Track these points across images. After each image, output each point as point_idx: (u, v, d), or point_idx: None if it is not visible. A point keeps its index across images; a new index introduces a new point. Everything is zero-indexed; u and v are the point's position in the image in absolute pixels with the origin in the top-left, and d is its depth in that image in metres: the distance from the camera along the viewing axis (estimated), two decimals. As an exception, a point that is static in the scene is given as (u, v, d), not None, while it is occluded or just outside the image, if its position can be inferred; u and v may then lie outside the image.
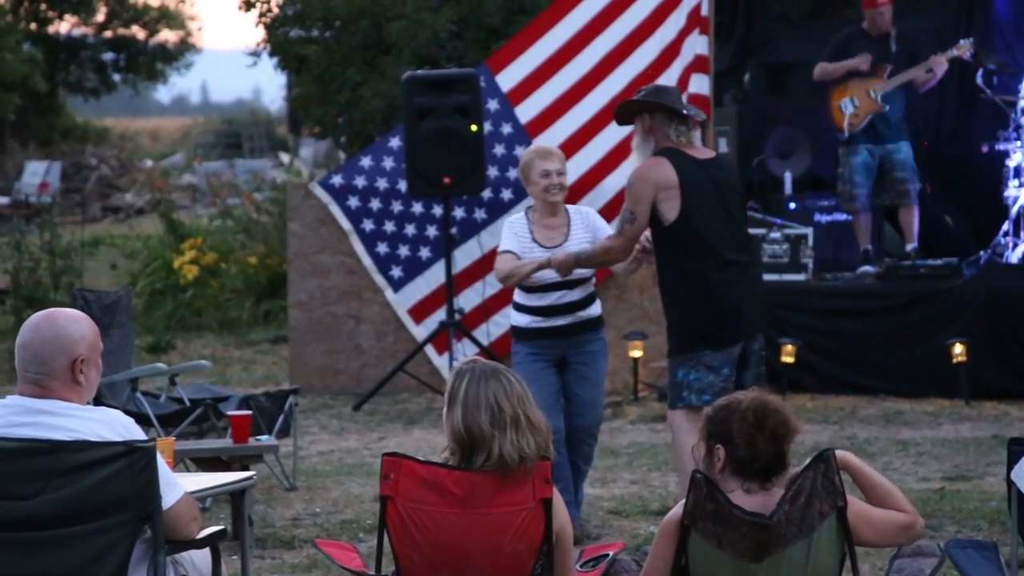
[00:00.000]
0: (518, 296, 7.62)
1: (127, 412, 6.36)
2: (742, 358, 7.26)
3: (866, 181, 11.87)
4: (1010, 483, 4.98)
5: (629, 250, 7.28)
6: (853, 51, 11.87)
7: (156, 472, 4.59)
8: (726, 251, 7.19)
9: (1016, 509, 4.99)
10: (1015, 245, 11.79)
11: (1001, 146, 12.10)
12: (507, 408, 4.63)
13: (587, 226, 7.62)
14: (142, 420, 8.39)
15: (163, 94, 65.83)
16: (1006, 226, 11.88)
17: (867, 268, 11.94)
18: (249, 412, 8.24)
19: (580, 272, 7.51)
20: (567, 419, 7.58)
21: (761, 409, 4.54)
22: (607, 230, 7.63)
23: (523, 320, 7.60)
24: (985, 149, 12.52)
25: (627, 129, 11.96)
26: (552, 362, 7.56)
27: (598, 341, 7.68)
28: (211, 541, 4.86)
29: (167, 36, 35.90)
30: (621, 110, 7.49)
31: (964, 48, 11.69)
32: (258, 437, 8.19)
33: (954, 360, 11.08)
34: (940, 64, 11.67)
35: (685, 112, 7.26)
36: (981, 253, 12.05)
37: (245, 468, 7.80)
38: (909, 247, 12.01)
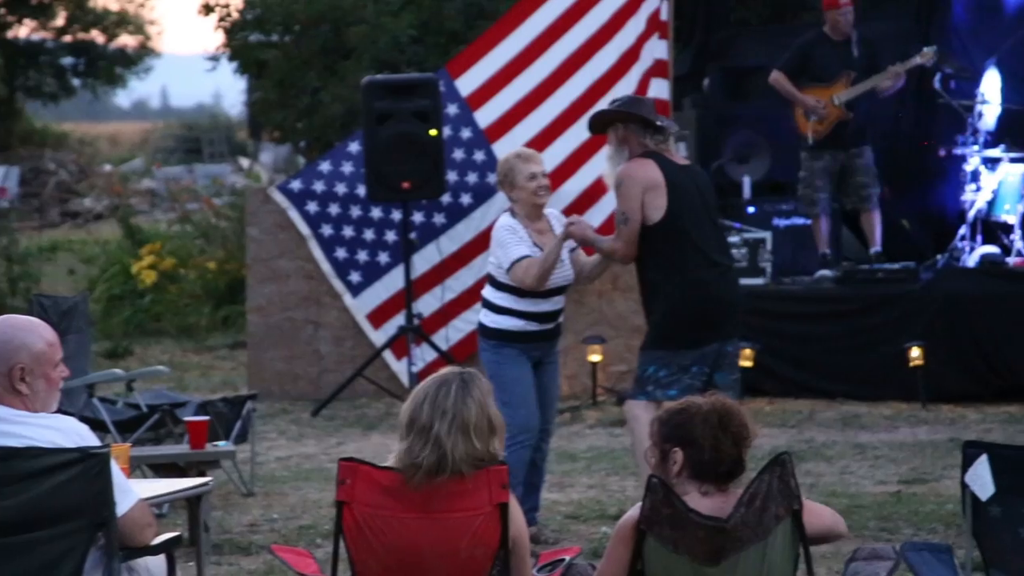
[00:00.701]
0: (506, 300, 7.50)
1: (84, 418, 6.33)
2: (716, 359, 7.32)
3: (826, 185, 11.91)
4: (965, 486, 5.00)
5: (631, 253, 7.32)
6: (815, 57, 11.86)
7: (110, 479, 4.56)
8: (711, 252, 7.31)
9: (971, 512, 5.00)
10: (972, 249, 11.86)
11: (958, 150, 12.16)
12: (473, 417, 4.62)
13: (560, 223, 7.65)
14: (98, 426, 8.36)
15: (123, 99, 65.58)
16: (963, 230, 11.93)
17: (825, 272, 11.98)
18: (206, 418, 8.21)
19: (568, 276, 7.55)
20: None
21: (724, 412, 4.55)
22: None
23: (515, 324, 7.51)
24: (943, 153, 12.59)
25: (586, 134, 12.04)
26: (532, 363, 7.59)
27: (559, 341, 7.79)
28: (166, 548, 4.83)
29: (126, 41, 35.78)
30: (596, 120, 7.52)
31: (927, 55, 11.72)
32: (215, 443, 8.16)
33: (911, 364, 11.12)
34: (900, 76, 11.71)
35: (659, 123, 7.31)
36: (938, 257, 12.11)
37: (202, 474, 7.77)
38: (872, 251, 12.06)
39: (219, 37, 16.62)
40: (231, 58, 16.94)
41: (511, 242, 7.47)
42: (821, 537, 4.67)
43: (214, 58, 17.20)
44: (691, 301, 7.25)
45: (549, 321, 7.56)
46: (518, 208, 7.57)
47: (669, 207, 7.20)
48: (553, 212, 7.76)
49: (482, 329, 7.63)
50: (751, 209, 12.62)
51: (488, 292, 7.62)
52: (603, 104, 11.81)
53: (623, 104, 7.44)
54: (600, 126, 7.50)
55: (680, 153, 12.75)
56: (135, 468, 7.84)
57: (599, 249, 7.50)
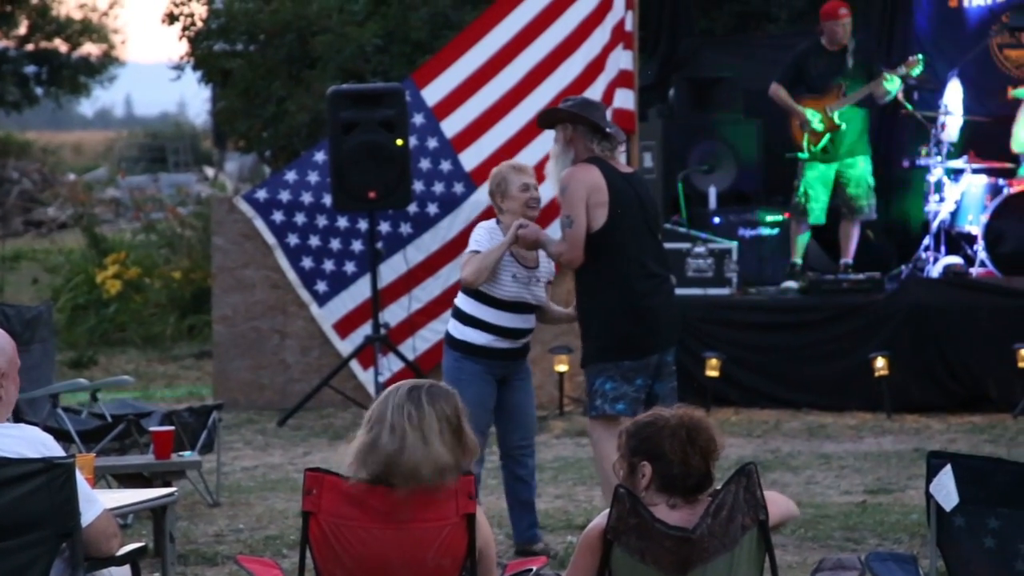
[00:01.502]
0: (475, 309, 7.42)
1: (48, 428, 6.31)
2: (656, 369, 7.32)
3: (822, 195, 11.96)
4: (929, 496, 5.02)
5: (577, 256, 7.23)
6: (809, 68, 11.92)
7: (75, 489, 4.54)
8: (649, 262, 7.28)
9: (935, 522, 5.02)
10: (936, 260, 11.92)
11: (922, 161, 12.23)
12: (446, 426, 4.61)
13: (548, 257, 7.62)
14: (63, 436, 8.31)
15: (86, 107, 65.35)
16: (927, 240, 12.00)
17: (791, 283, 12.03)
18: (171, 428, 8.18)
19: (540, 297, 7.50)
20: (510, 436, 7.56)
21: (692, 426, 4.55)
22: (553, 270, 7.67)
23: (480, 338, 7.42)
24: (906, 164, 12.66)
25: (552, 143, 12.09)
26: (496, 381, 7.50)
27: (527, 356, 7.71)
28: (131, 558, 4.82)
29: (90, 49, 35.60)
30: (546, 116, 7.53)
31: (912, 63, 11.74)
32: (181, 453, 8.13)
33: (876, 374, 11.17)
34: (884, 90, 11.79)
35: (608, 130, 7.31)
36: (903, 267, 12.18)
37: (168, 484, 7.74)
38: (842, 261, 12.12)
39: (183, 46, 16.61)
40: (195, 67, 16.91)
41: (479, 238, 7.40)
42: (778, 524, 4.69)
43: (178, 67, 17.17)
44: (629, 312, 7.23)
45: (517, 338, 7.46)
46: (507, 219, 7.46)
47: (610, 216, 7.18)
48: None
49: (448, 339, 7.53)
50: (716, 219, 12.65)
51: (459, 300, 7.51)
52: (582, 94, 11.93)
53: (575, 105, 7.39)
54: (548, 122, 7.48)
55: (645, 164, 12.86)
56: (100, 478, 7.81)
57: (548, 252, 7.45)
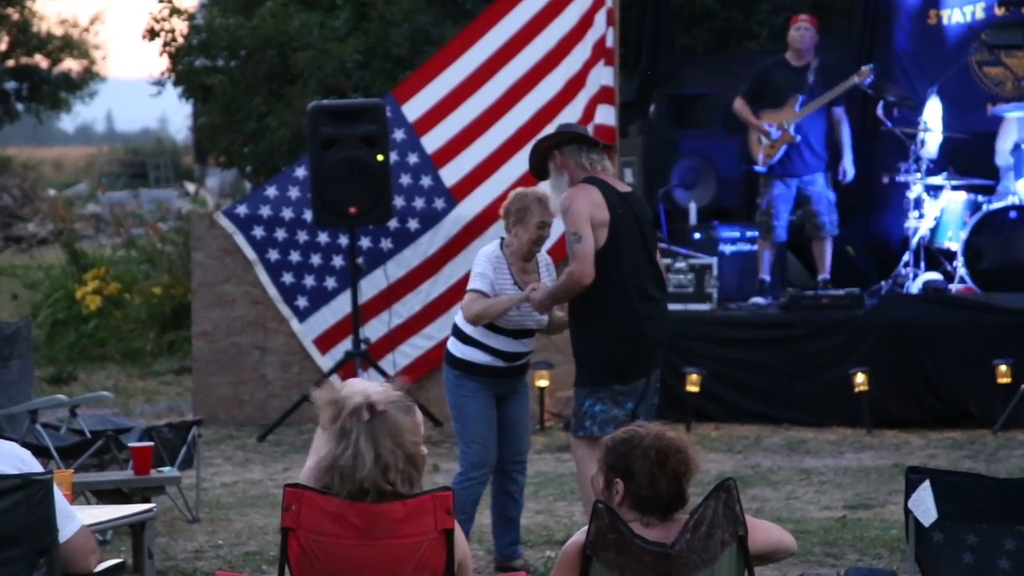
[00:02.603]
0: (476, 332, 7.40)
1: (26, 444, 6.28)
2: (643, 390, 7.31)
3: (784, 213, 12.00)
4: (908, 512, 5.03)
5: (589, 271, 7.12)
6: (771, 81, 12.03)
7: (53, 505, 4.53)
8: (646, 285, 7.25)
9: (914, 537, 5.03)
10: (915, 276, 11.95)
11: (901, 178, 12.27)
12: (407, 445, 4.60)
13: (550, 273, 7.59)
14: (42, 452, 8.28)
15: (67, 123, 65.25)
16: (907, 257, 12.03)
17: (759, 300, 12.06)
18: (151, 444, 8.16)
19: (541, 321, 7.48)
20: (504, 450, 7.55)
21: (664, 448, 4.51)
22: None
23: (480, 358, 7.41)
24: (886, 180, 12.70)
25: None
26: (495, 398, 7.51)
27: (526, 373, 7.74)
28: (109, 574, 4.80)
29: (71, 65, 35.57)
30: (535, 159, 7.35)
31: (864, 74, 11.87)
32: (160, 469, 8.10)
33: (856, 389, 11.19)
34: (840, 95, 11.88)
35: (592, 137, 7.29)
36: (882, 283, 12.20)
37: (147, 500, 7.72)
38: (820, 278, 12.15)
39: (164, 62, 16.57)
40: (176, 83, 16.88)
41: (481, 270, 7.37)
42: (768, 555, 4.67)
43: (159, 83, 17.14)
44: (623, 337, 7.19)
45: (516, 360, 7.49)
46: (513, 243, 7.43)
47: (609, 239, 7.12)
48: (543, 256, 7.62)
49: (448, 357, 7.51)
50: (697, 235, 12.68)
51: (459, 319, 7.49)
52: (549, 130, 11.95)
53: (557, 131, 7.37)
54: (540, 164, 7.34)
55: (626, 179, 12.88)
56: (79, 494, 7.78)
57: (563, 295, 7.30)
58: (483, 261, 7.41)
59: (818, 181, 12.02)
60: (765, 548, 4.63)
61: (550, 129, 11.62)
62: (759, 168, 12.06)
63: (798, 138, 11.90)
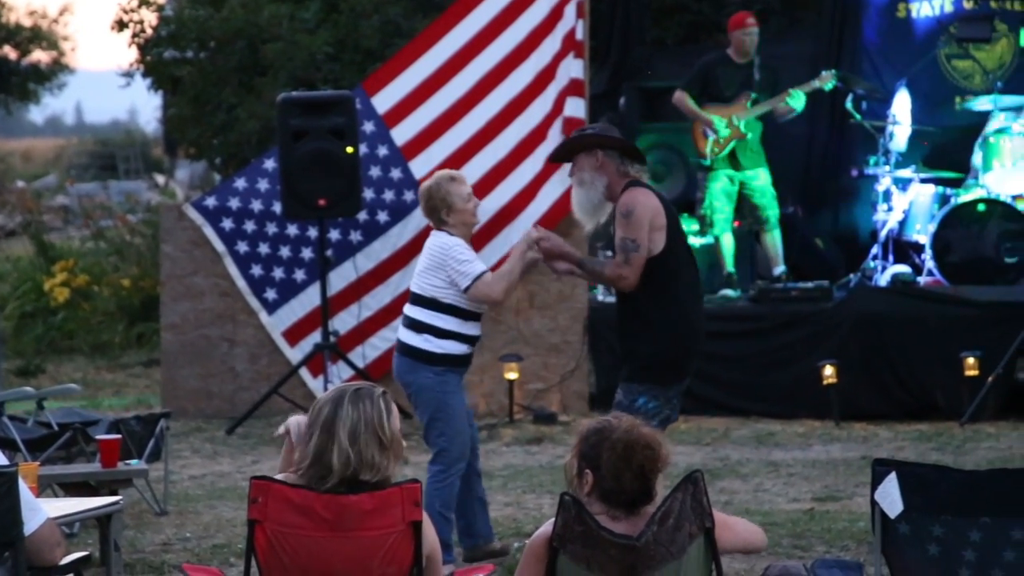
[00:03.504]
0: (452, 324, 7.37)
1: (-8, 437, 6.26)
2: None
3: (724, 207, 12.00)
4: (874, 503, 5.04)
5: (635, 282, 7.00)
6: (717, 77, 11.99)
7: (18, 497, 4.51)
8: (696, 286, 7.29)
9: (880, 529, 5.04)
10: (884, 268, 11.98)
11: (870, 170, 12.30)
12: (385, 432, 4.60)
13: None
14: (8, 445, 8.26)
15: (36, 114, 64.91)
16: (875, 249, 12.06)
17: (727, 292, 12.07)
18: (118, 436, 8.12)
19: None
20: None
21: (632, 443, 4.50)
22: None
23: (459, 348, 7.40)
24: (855, 173, 12.73)
25: (502, 152, 12.12)
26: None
27: None
28: (75, 567, 4.79)
29: (40, 56, 35.39)
30: (569, 149, 7.23)
31: (825, 79, 11.89)
32: (128, 461, 8.08)
33: (824, 382, 11.22)
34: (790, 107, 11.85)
35: (637, 149, 7.23)
36: (851, 276, 12.24)
37: (114, 493, 7.69)
38: (775, 271, 12.16)
39: (133, 53, 16.51)
40: (145, 74, 16.82)
41: (469, 257, 7.34)
42: (738, 551, 4.67)
43: (128, 74, 17.06)
44: (684, 336, 7.20)
45: (476, 344, 7.55)
46: (455, 231, 7.41)
47: (668, 243, 7.08)
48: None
49: (423, 355, 7.38)
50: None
51: (427, 316, 7.39)
52: (522, 123, 11.94)
53: (603, 131, 7.24)
54: (567, 153, 7.23)
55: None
56: (45, 487, 7.76)
57: (591, 271, 7.28)
58: (458, 250, 7.36)
59: (760, 176, 12.03)
60: (732, 548, 4.63)
61: (526, 121, 11.76)
62: (705, 162, 12.06)
63: (749, 135, 11.92)
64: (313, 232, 11.84)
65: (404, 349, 7.45)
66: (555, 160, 7.68)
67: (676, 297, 7.13)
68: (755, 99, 11.90)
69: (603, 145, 7.10)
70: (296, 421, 4.76)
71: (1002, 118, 12.01)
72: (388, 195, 12.01)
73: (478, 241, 10.36)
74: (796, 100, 11.77)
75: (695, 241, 12.53)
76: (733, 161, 11.95)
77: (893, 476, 5.00)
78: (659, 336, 7.13)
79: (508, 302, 11.70)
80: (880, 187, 12.16)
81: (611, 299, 12.02)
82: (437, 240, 7.43)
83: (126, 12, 16.35)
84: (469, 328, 7.42)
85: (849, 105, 12.42)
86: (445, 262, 7.34)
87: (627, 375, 7.18)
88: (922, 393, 11.33)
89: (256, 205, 12.09)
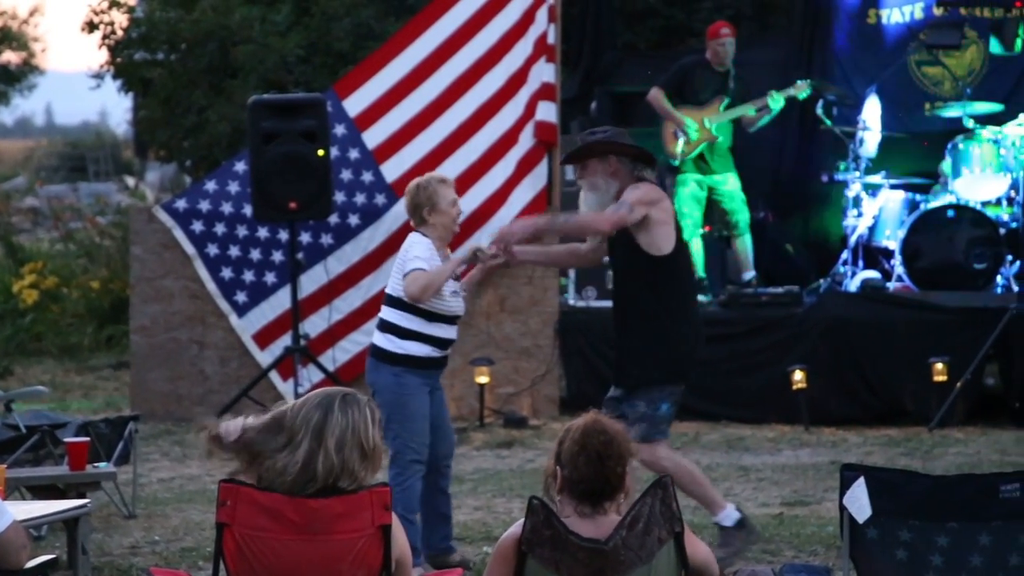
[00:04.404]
0: (415, 324, 7.36)
1: (-42, 439, 6.22)
2: None
3: (693, 211, 12.01)
4: (843, 508, 5.06)
5: (609, 233, 7.10)
6: (693, 80, 12.03)
7: (-16, 500, 4.49)
8: (696, 286, 7.37)
9: (848, 534, 5.06)
10: (854, 274, 12.02)
11: (840, 176, 12.34)
12: (362, 438, 4.59)
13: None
14: (-24, 447, 8.21)
15: (6, 116, 64.57)
16: (845, 255, 12.10)
17: (698, 297, 12.06)
18: (87, 439, 8.10)
19: (464, 307, 7.49)
20: (437, 447, 7.51)
21: (588, 429, 4.52)
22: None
23: (422, 350, 7.38)
24: (825, 179, 12.77)
25: (474, 156, 12.12)
26: (430, 391, 7.50)
27: None
28: (42, 570, 4.76)
29: (9, 57, 35.29)
30: (583, 154, 7.24)
31: (800, 87, 11.94)
32: (96, 464, 8.05)
33: (794, 387, 11.25)
34: (766, 108, 11.88)
35: (651, 156, 7.25)
36: (821, 281, 12.27)
37: (83, 496, 7.66)
38: (744, 277, 12.19)
39: (104, 55, 16.46)
40: (115, 76, 16.77)
41: (418, 253, 7.34)
42: (698, 568, 4.67)
43: (98, 76, 17.01)
44: (694, 335, 7.27)
45: (447, 348, 7.50)
46: (432, 232, 7.43)
47: (677, 243, 7.15)
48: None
49: (384, 354, 7.40)
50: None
51: (393, 315, 7.41)
52: (493, 127, 11.92)
53: (613, 135, 7.26)
54: (582, 157, 7.25)
55: (567, 177, 12.89)
56: (13, 490, 7.72)
57: (565, 224, 7.33)
58: (417, 247, 7.38)
59: (729, 180, 12.06)
60: (693, 561, 4.62)
61: (498, 124, 11.75)
62: (674, 162, 12.07)
63: (720, 137, 11.95)
64: (284, 235, 11.81)
65: (371, 349, 7.50)
66: (567, 163, 7.67)
67: (685, 295, 7.25)
68: (728, 103, 11.93)
69: (617, 151, 7.11)
70: (227, 428, 4.74)
71: (971, 124, 12.06)
72: (359, 198, 11.99)
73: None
74: (775, 102, 11.82)
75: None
76: (702, 164, 11.97)
77: (861, 481, 5.02)
78: (673, 335, 7.18)
79: (476, 307, 11.75)
80: (850, 193, 12.19)
81: (582, 303, 12.06)
82: (408, 239, 7.47)
83: (96, 13, 16.30)
84: (436, 330, 7.39)
85: (820, 111, 12.46)
86: (405, 260, 7.37)
87: (643, 382, 7.18)
88: (891, 398, 11.37)
89: (227, 208, 12.06)
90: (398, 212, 11.84)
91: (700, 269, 12.14)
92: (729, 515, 7.30)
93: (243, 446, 4.61)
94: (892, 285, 11.85)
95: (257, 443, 4.61)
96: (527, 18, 11.91)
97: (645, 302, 7.18)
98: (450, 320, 7.45)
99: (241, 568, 4.60)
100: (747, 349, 11.66)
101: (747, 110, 11.89)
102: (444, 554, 7.49)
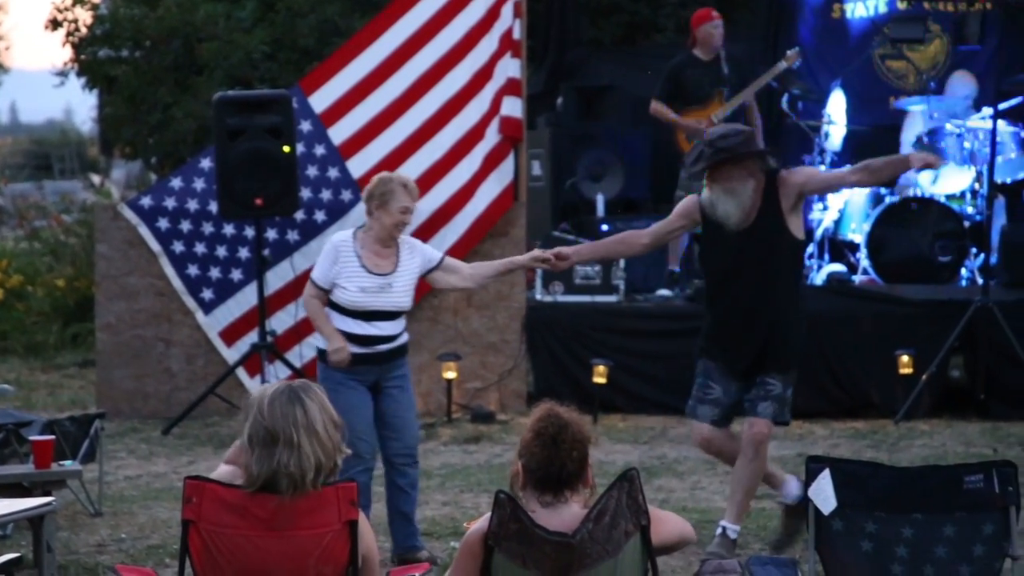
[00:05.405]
0: (336, 320, 7.41)
1: (-78, 438, 6.19)
2: None
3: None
4: (808, 500, 5.08)
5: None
6: (686, 80, 11.80)
7: (-52, 499, 4.47)
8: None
9: (814, 526, 5.08)
10: (820, 267, 12.06)
11: (806, 170, 12.35)
12: (315, 424, 4.61)
13: (413, 255, 7.54)
14: (-60, 446, 8.17)
15: (-30, 114, 64.31)
16: (811, 248, 12.14)
17: (665, 291, 12.10)
18: (52, 437, 8.06)
19: (398, 303, 7.46)
20: (389, 445, 7.50)
21: (541, 416, 4.56)
22: (435, 255, 7.62)
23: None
24: (790, 173, 12.77)
25: (440, 151, 12.11)
26: (367, 388, 7.47)
27: (406, 365, 7.63)
28: (6, 569, 4.75)
29: (-27, 55, 35.12)
30: (729, 156, 7.34)
31: (791, 58, 11.72)
32: (62, 462, 8.02)
33: (761, 380, 11.25)
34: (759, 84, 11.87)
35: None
36: (787, 275, 12.28)
37: (48, 494, 7.63)
38: None
39: (68, 52, 16.39)
40: (80, 73, 16.70)
41: (326, 259, 7.43)
42: (671, 546, 4.69)
43: (62, 73, 16.94)
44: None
45: (373, 345, 7.42)
46: (374, 227, 7.45)
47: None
48: (410, 240, 7.60)
49: (318, 351, 7.55)
50: (604, 227, 12.72)
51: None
52: (459, 122, 11.89)
53: (751, 140, 7.45)
54: (723, 160, 7.33)
55: (534, 172, 12.91)
56: (-23, 489, 7.68)
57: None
58: (327, 249, 7.47)
59: None
60: (669, 540, 4.65)
61: (464, 120, 11.74)
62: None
63: None
64: (250, 232, 11.78)
65: None
66: (701, 172, 7.52)
67: (802, 281, 7.66)
68: (727, 92, 11.75)
69: (762, 156, 7.44)
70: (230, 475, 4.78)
71: (935, 118, 12.11)
72: (325, 194, 11.98)
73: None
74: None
75: None
76: None
77: (827, 473, 5.04)
78: (802, 320, 7.50)
79: (442, 302, 11.74)
80: (816, 186, 12.21)
81: (549, 299, 12.05)
82: (335, 236, 7.57)
83: (60, 11, 16.24)
84: (355, 327, 7.39)
85: (785, 105, 12.49)
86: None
87: (782, 366, 7.45)
88: (857, 391, 11.41)
89: (192, 204, 12.03)
90: (364, 208, 11.80)
91: (676, 262, 12.16)
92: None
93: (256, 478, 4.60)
94: (858, 278, 11.90)
95: (263, 461, 4.59)
96: (492, 14, 11.90)
97: (791, 286, 7.46)
98: (366, 316, 7.39)
99: (207, 565, 4.60)
100: (714, 343, 11.66)
101: (745, 96, 11.59)
102: (410, 552, 7.48)
